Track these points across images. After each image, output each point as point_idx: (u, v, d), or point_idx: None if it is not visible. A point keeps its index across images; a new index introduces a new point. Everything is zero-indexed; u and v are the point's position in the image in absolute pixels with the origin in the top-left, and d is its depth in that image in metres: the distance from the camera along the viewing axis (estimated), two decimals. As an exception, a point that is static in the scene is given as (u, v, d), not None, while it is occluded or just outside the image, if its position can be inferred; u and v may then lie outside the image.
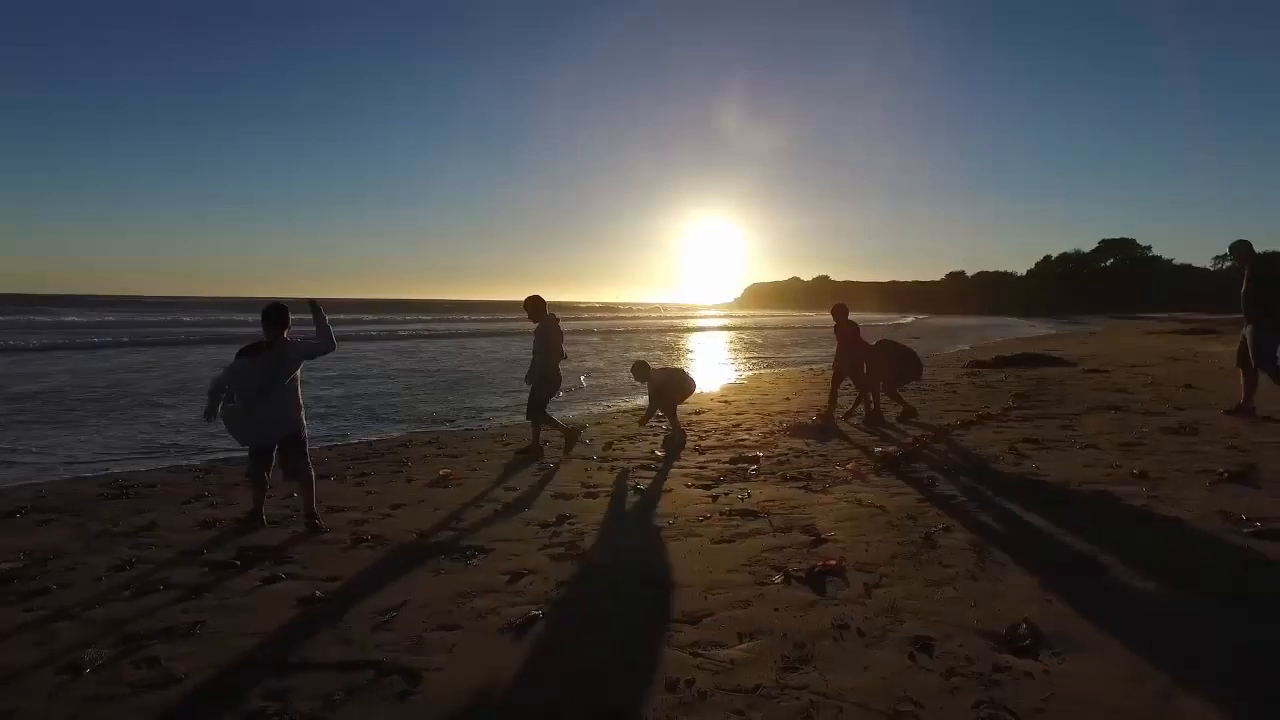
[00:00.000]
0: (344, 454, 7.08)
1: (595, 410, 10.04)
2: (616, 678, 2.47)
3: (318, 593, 3.35)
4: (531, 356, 6.74)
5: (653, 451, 6.58)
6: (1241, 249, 7.01)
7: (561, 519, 4.49)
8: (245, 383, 4.18)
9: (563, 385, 7.04)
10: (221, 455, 7.06)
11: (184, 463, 6.85)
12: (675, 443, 6.93)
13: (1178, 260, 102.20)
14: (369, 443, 7.81)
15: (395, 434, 8.40)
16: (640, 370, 7.61)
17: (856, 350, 7.92)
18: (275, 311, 4.29)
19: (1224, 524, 3.76)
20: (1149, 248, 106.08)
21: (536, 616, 2.99)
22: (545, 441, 6.85)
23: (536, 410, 6.69)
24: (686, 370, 7.72)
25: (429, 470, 6.09)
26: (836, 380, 8.21)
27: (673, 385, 7.38)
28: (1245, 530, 3.63)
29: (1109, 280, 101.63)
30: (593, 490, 5.22)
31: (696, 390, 8.00)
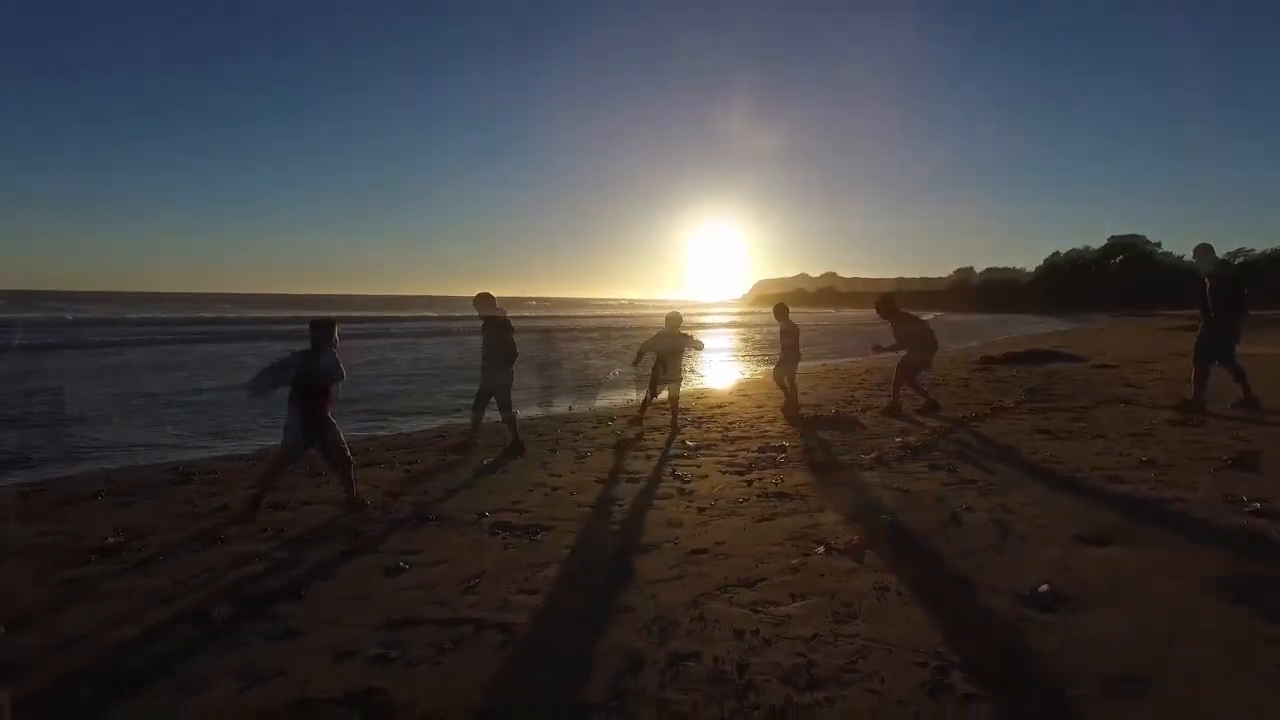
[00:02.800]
0: (386, 444, 7.43)
1: (619, 403, 10.38)
2: (689, 628, 2.82)
3: (401, 563, 3.71)
4: (484, 354, 6.78)
5: (684, 441, 6.93)
6: (1202, 252, 7.53)
7: (609, 501, 4.85)
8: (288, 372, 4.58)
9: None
10: (270, 444, 7.45)
11: (233, 452, 7.23)
12: (672, 430, 7.56)
13: (1188, 257, 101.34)
14: (407, 434, 8.17)
15: (417, 427, 8.74)
16: (673, 319, 8.27)
17: (792, 342, 8.88)
18: (321, 323, 4.72)
19: (1226, 505, 4.08)
20: (1159, 244, 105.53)
21: (605, 583, 3.34)
22: (477, 439, 6.98)
23: (479, 405, 6.83)
24: (684, 356, 8.31)
25: (472, 458, 6.45)
26: (787, 373, 8.83)
27: (660, 360, 7.96)
28: (1246, 510, 3.95)
29: (1118, 277, 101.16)
30: (633, 476, 5.57)
31: (682, 381, 8.49)
